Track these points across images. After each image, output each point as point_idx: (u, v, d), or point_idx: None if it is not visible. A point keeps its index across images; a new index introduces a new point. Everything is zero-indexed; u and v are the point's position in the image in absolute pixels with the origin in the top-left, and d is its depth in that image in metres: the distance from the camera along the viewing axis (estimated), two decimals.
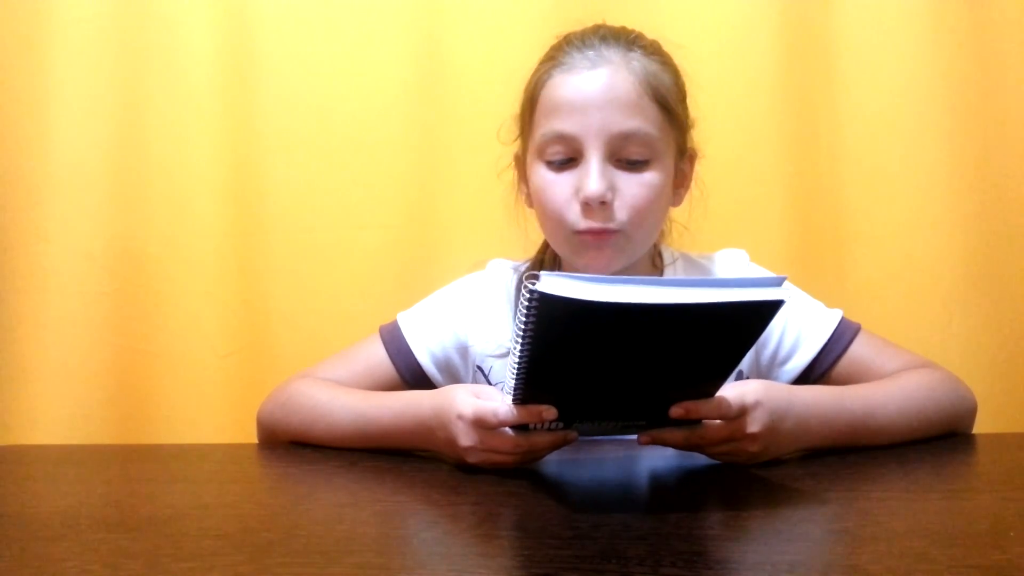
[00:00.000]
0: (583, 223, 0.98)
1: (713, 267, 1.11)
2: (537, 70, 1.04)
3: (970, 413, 1.02)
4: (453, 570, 0.60)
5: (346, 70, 1.36)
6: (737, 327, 0.76)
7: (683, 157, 1.06)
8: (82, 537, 0.69)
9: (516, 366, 0.77)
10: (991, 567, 0.57)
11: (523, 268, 1.11)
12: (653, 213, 1.01)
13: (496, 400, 0.84)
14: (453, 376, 1.09)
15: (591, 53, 1.00)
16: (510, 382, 0.80)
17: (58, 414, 1.33)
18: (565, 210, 0.99)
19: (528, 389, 0.79)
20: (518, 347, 0.75)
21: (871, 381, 1.00)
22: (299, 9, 1.37)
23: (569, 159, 1.00)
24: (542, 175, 1.01)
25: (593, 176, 0.97)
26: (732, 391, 0.83)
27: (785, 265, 1.22)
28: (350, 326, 1.21)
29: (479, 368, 1.09)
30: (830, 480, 0.83)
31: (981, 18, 1.30)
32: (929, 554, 0.60)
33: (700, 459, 0.87)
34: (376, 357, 1.09)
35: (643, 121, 0.99)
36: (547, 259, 1.09)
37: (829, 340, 1.05)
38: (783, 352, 1.06)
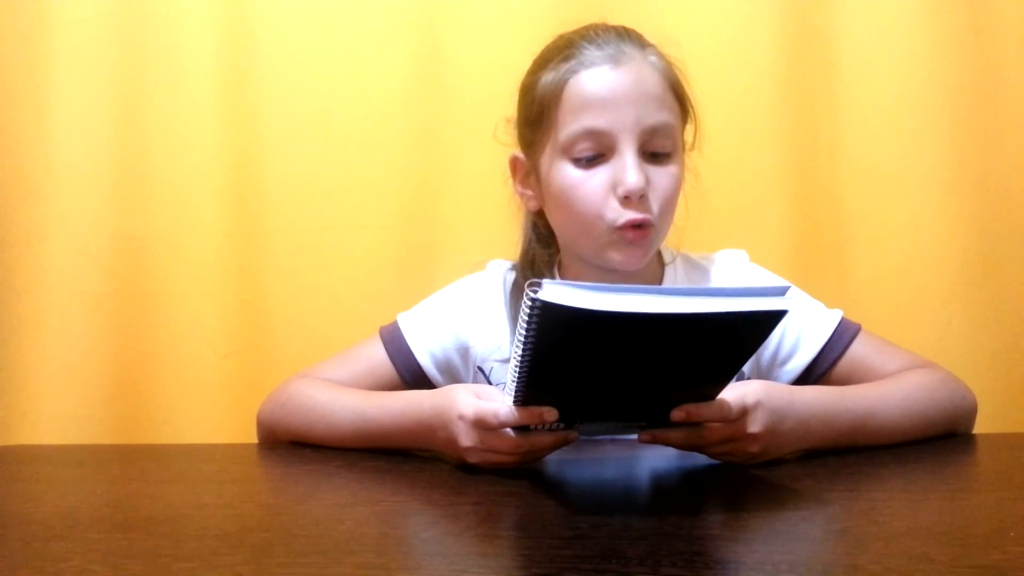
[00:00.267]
0: (624, 217, 0.98)
1: (712, 267, 1.11)
2: (550, 70, 1.01)
3: (970, 413, 1.02)
4: (453, 570, 0.60)
5: (346, 70, 1.37)
6: (740, 335, 0.76)
7: (686, 151, 1.06)
8: (82, 537, 0.69)
9: (517, 370, 0.77)
10: (991, 567, 0.57)
11: (509, 267, 1.11)
12: (675, 206, 1.02)
13: (497, 401, 0.84)
14: (453, 377, 1.09)
15: (611, 50, 1.00)
16: (511, 384, 0.80)
17: (58, 414, 1.34)
18: (602, 206, 0.98)
19: (529, 391, 0.79)
20: (519, 352, 0.75)
21: (871, 381, 1.00)
22: (299, 9, 1.37)
23: (597, 155, 0.99)
24: (569, 173, 1.00)
25: (631, 169, 0.97)
26: (732, 392, 0.83)
27: (785, 265, 1.23)
28: (350, 326, 1.22)
29: (480, 369, 1.09)
30: (830, 480, 0.82)
31: (981, 19, 1.30)
32: (929, 554, 0.59)
33: (700, 459, 0.87)
34: (376, 358, 1.09)
35: (668, 114, 1.00)
36: (538, 261, 1.09)
37: (829, 340, 1.05)
38: (783, 352, 1.05)
